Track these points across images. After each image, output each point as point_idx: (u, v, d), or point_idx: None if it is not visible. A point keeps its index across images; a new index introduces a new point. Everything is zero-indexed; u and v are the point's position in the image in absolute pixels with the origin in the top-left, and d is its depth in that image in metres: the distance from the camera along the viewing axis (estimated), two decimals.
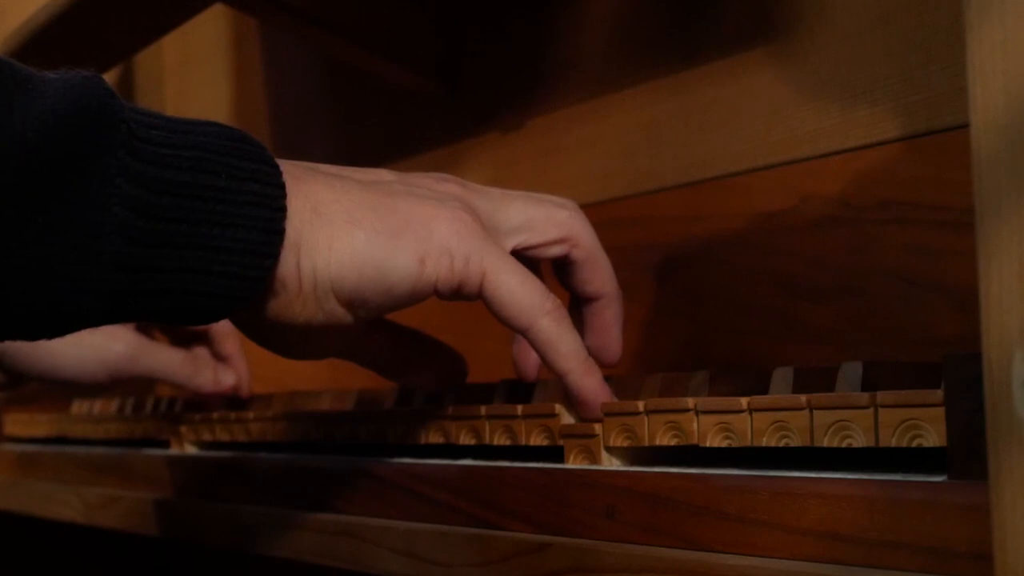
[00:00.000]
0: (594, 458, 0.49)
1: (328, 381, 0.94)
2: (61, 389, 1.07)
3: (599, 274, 0.55)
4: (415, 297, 0.47)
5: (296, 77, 1.14)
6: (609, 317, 0.56)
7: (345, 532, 0.58)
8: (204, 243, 0.41)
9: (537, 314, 0.49)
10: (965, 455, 0.36)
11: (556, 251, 0.55)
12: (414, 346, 0.57)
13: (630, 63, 0.79)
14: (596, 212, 0.80)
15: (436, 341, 0.58)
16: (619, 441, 0.48)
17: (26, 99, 0.38)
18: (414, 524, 0.54)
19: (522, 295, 0.48)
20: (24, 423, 1.10)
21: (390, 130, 1.01)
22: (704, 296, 0.72)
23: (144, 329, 0.86)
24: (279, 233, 0.43)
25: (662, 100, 0.76)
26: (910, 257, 0.61)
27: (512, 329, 0.50)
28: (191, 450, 0.79)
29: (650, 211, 0.76)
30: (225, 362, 0.87)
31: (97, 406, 1.00)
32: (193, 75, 1.33)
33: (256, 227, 0.42)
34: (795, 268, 0.67)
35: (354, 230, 0.45)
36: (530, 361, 0.60)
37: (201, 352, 0.86)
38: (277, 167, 0.44)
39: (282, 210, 0.43)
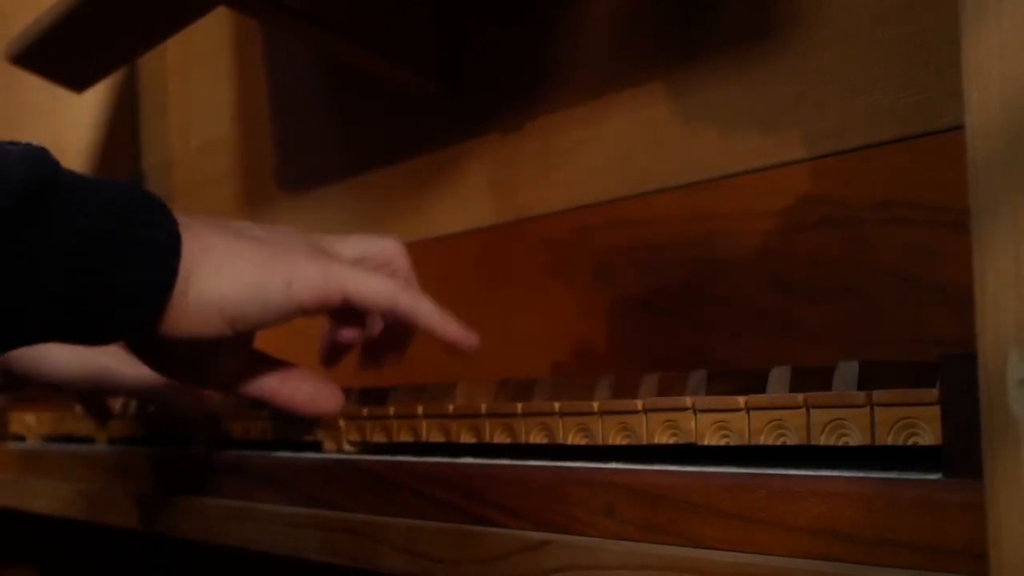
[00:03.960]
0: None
1: None
2: (56, 393, 1.07)
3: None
4: (284, 312, 0.59)
5: (297, 78, 1.15)
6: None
7: (346, 529, 0.59)
8: (119, 276, 0.54)
9: (395, 295, 0.60)
10: (961, 454, 0.37)
11: (384, 271, 0.67)
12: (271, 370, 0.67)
13: (630, 63, 0.79)
14: (596, 212, 0.81)
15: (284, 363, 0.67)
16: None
17: None
18: (415, 521, 0.55)
19: (377, 286, 0.60)
20: (28, 421, 1.10)
21: (390, 130, 1.01)
22: (702, 296, 0.72)
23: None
24: (175, 271, 0.56)
25: (662, 101, 0.76)
26: (907, 257, 0.62)
27: (381, 313, 0.62)
28: (196, 448, 0.80)
29: (649, 211, 0.76)
30: None
31: None
32: (195, 76, 1.33)
33: (159, 266, 0.55)
34: (793, 268, 0.67)
35: (235, 260, 0.58)
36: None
37: None
38: (175, 222, 0.56)
39: (177, 253, 0.55)
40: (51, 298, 0.53)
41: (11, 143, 0.54)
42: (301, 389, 0.64)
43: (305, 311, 0.59)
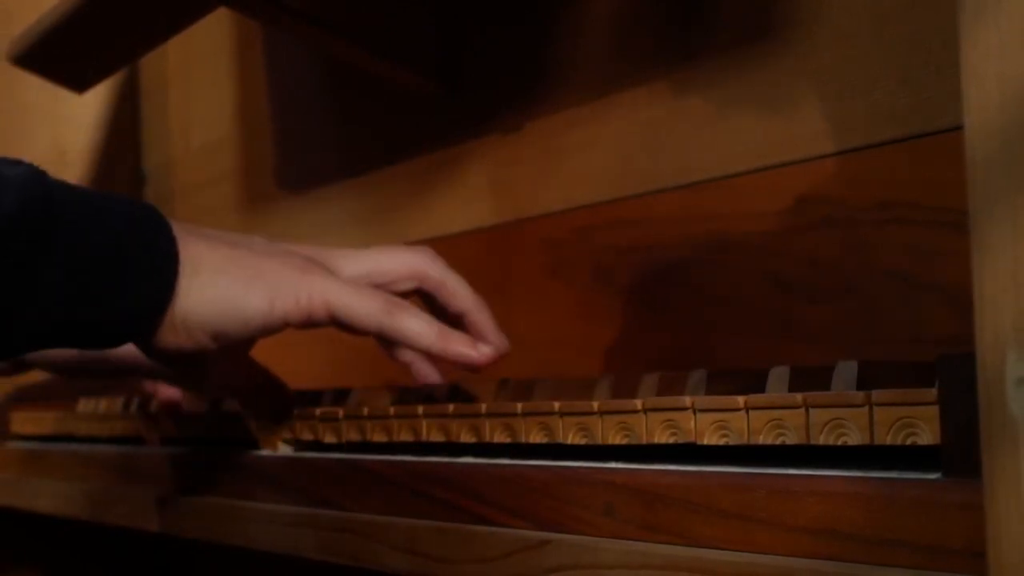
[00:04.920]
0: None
1: (328, 381, 0.94)
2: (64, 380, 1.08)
3: (454, 297, 0.66)
4: (268, 329, 0.59)
5: (297, 78, 1.15)
6: (480, 323, 0.65)
7: (346, 529, 0.59)
8: (118, 296, 0.55)
9: (379, 317, 0.58)
10: (960, 453, 0.37)
11: (406, 286, 0.66)
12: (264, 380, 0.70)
13: (630, 63, 0.79)
14: (595, 213, 0.81)
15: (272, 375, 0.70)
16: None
17: None
18: (415, 520, 0.55)
19: (360, 307, 0.58)
20: (30, 421, 1.10)
21: (390, 130, 1.02)
22: (702, 296, 0.73)
23: None
24: (172, 290, 0.56)
25: (661, 101, 0.77)
26: (906, 257, 0.62)
27: (370, 336, 0.59)
28: (197, 448, 0.80)
29: (649, 212, 0.76)
30: None
31: (103, 404, 1.00)
32: (196, 77, 1.33)
33: (155, 287, 0.56)
34: (792, 268, 0.67)
35: (219, 278, 0.58)
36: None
37: None
38: (173, 239, 0.56)
39: (174, 273, 0.56)
40: (53, 317, 0.54)
41: (6, 164, 0.54)
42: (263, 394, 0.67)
43: (293, 326, 0.59)
